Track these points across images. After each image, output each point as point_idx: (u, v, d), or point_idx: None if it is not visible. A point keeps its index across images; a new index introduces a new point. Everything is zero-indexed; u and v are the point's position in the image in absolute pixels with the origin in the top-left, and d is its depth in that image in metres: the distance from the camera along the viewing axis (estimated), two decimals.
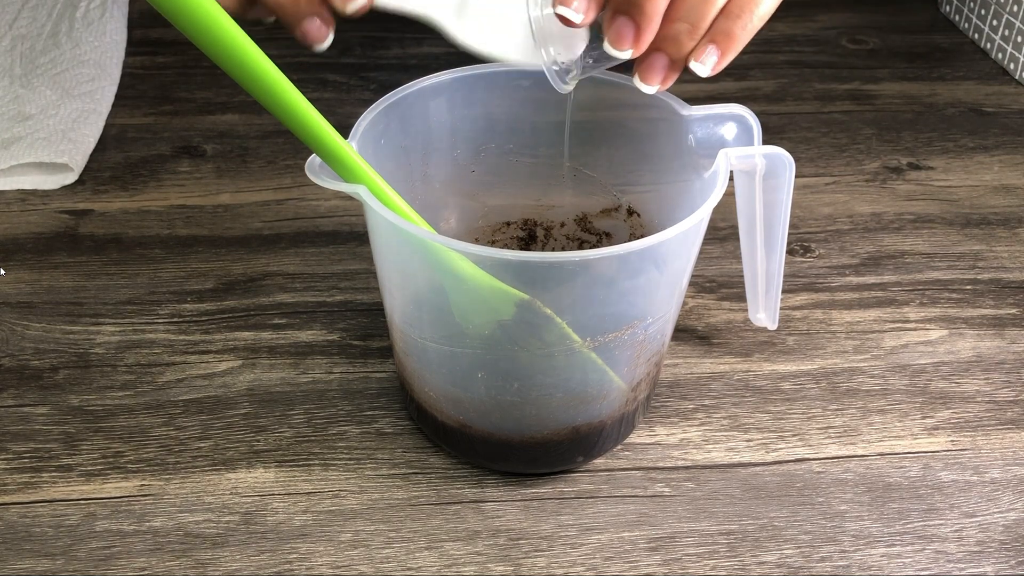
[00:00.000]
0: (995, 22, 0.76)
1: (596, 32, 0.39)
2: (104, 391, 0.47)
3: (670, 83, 0.40)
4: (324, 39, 0.39)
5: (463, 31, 0.39)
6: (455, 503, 0.42)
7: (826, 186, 0.62)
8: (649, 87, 0.39)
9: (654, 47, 0.38)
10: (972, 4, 0.79)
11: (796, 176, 0.42)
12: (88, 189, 0.60)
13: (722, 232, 0.57)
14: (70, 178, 0.60)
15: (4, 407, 0.46)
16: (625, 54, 0.38)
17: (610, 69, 0.41)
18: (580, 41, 0.39)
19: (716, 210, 0.38)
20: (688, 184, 0.42)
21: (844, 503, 0.42)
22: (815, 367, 0.49)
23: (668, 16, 0.38)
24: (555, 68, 0.40)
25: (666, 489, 0.43)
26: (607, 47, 0.38)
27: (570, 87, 0.41)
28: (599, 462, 0.44)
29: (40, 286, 0.53)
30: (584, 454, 0.43)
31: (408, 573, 0.39)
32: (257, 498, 0.42)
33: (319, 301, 0.52)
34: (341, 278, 0.54)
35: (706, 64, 0.39)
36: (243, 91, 0.34)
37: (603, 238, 0.48)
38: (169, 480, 0.43)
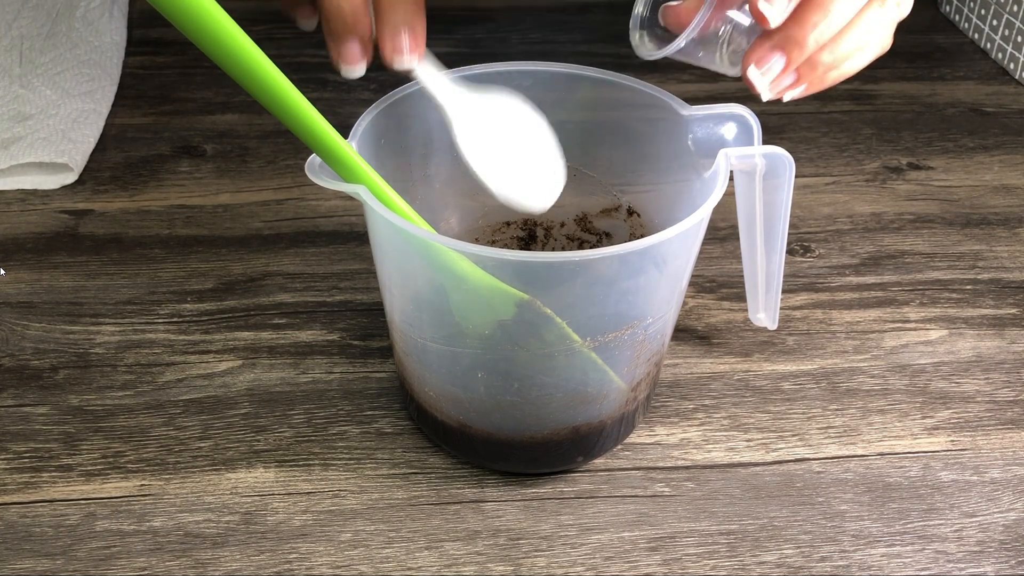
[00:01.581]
0: (995, 22, 0.76)
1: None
2: (104, 391, 0.47)
3: (780, 86, 0.40)
4: (357, 63, 0.38)
5: (475, 160, 0.40)
6: (455, 503, 0.42)
7: (826, 186, 0.62)
8: (766, 94, 0.40)
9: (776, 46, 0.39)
10: (972, 4, 0.79)
11: (796, 176, 0.42)
12: (88, 189, 0.60)
13: (722, 232, 0.57)
14: (70, 178, 0.60)
15: (4, 407, 0.46)
16: (761, 86, 0.38)
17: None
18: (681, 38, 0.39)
19: (716, 210, 0.38)
20: (688, 184, 0.42)
21: (844, 503, 0.42)
22: (815, 367, 0.49)
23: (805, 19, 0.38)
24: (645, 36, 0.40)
25: (666, 489, 0.43)
26: (752, 74, 0.38)
27: (653, 56, 0.41)
28: (599, 462, 0.44)
29: (40, 286, 0.53)
30: (584, 454, 0.43)
31: (408, 573, 0.39)
32: (257, 498, 0.42)
33: (319, 301, 0.52)
34: (341, 278, 0.54)
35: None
36: (243, 91, 0.34)
37: (603, 238, 0.48)
38: (169, 480, 0.43)
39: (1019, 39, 0.73)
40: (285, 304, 0.52)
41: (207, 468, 0.43)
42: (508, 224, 0.50)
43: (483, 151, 0.39)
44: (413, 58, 0.38)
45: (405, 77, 0.43)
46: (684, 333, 0.51)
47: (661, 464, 0.44)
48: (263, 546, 0.40)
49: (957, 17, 0.81)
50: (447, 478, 0.43)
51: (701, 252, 0.42)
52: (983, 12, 0.78)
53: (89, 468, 0.43)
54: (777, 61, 0.38)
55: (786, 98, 0.40)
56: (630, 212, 0.47)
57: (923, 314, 0.52)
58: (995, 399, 0.48)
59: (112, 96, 0.67)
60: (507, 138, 0.40)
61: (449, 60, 0.42)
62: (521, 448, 0.42)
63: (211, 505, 0.42)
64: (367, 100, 0.42)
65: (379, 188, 0.37)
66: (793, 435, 0.46)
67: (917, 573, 0.40)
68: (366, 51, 0.38)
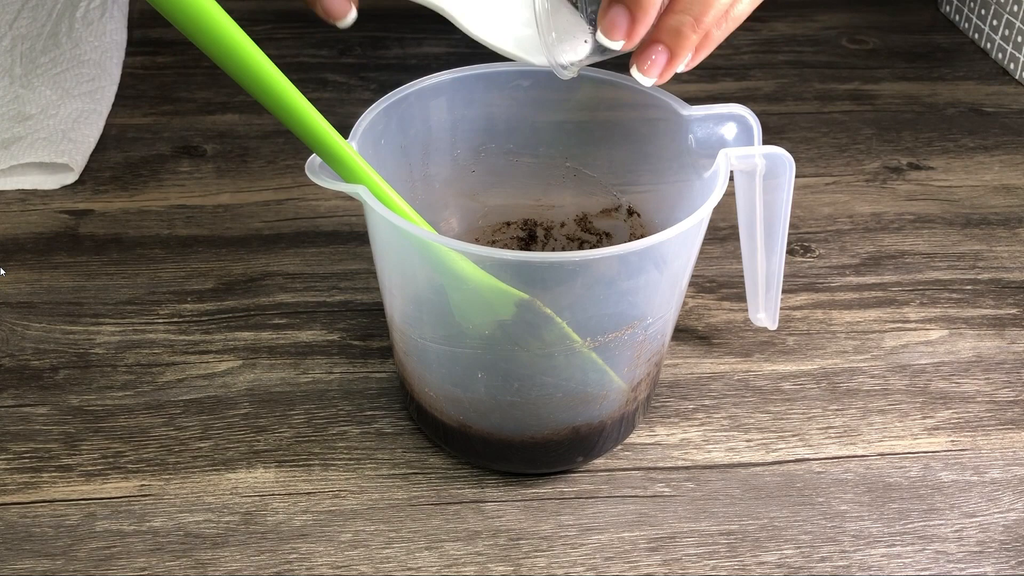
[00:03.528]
0: (995, 22, 0.76)
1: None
2: (104, 391, 0.47)
3: (668, 76, 0.39)
4: (346, 15, 0.38)
5: (473, 22, 0.39)
6: (455, 503, 0.42)
7: (826, 186, 0.62)
8: (647, 79, 0.39)
9: (654, 39, 0.38)
10: (972, 4, 0.79)
11: (796, 176, 0.42)
12: (88, 189, 0.60)
13: (722, 232, 0.57)
14: (70, 178, 0.60)
15: (4, 407, 0.46)
16: (617, 45, 0.37)
17: (613, 60, 0.41)
18: (582, 32, 0.39)
19: (716, 210, 0.38)
20: (688, 184, 0.42)
21: (844, 503, 0.42)
22: (815, 367, 0.49)
23: (670, 8, 0.37)
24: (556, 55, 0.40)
25: (666, 489, 0.43)
26: (599, 36, 0.37)
27: (571, 74, 0.41)
28: (599, 462, 0.44)
29: (40, 286, 0.53)
30: (584, 454, 0.43)
31: (408, 573, 0.39)
32: (257, 498, 0.42)
33: (319, 301, 0.52)
34: (341, 278, 0.54)
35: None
36: (243, 91, 0.34)
37: (603, 238, 0.48)
38: (169, 480, 0.43)
39: (1019, 39, 0.73)
40: (285, 304, 0.52)
41: (207, 468, 0.43)
42: (508, 224, 0.50)
43: (493, 22, 0.39)
44: None
45: (405, 77, 0.43)
46: (684, 333, 0.51)
47: (661, 464, 0.44)
48: (263, 546, 0.40)
49: (957, 17, 0.81)
50: (447, 478, 0.43)
51: (701, 252, 0.42)
52: (983, 12, 0.78)
53: (89, 468, 0.43)
54: (621, 16, 0.37)
55: (668, 73, 0.39)
56: (630, 212, 0.47)
57: (923, 314, 0.52)
58: (995, 399, 0.48)
59: (112, 96, 0.67)
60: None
61: (449, 60, 0.42)
62: (521, 448, 0.42)
63: (211, 505, 0.42)
64: (367, 100, 0.42)
65: (379, 188, 0.37)
66: (793, 435, 0.46)
67: (917, 573, 0.40)
68: None
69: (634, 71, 0.39)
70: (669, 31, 0.38)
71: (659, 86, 0.43)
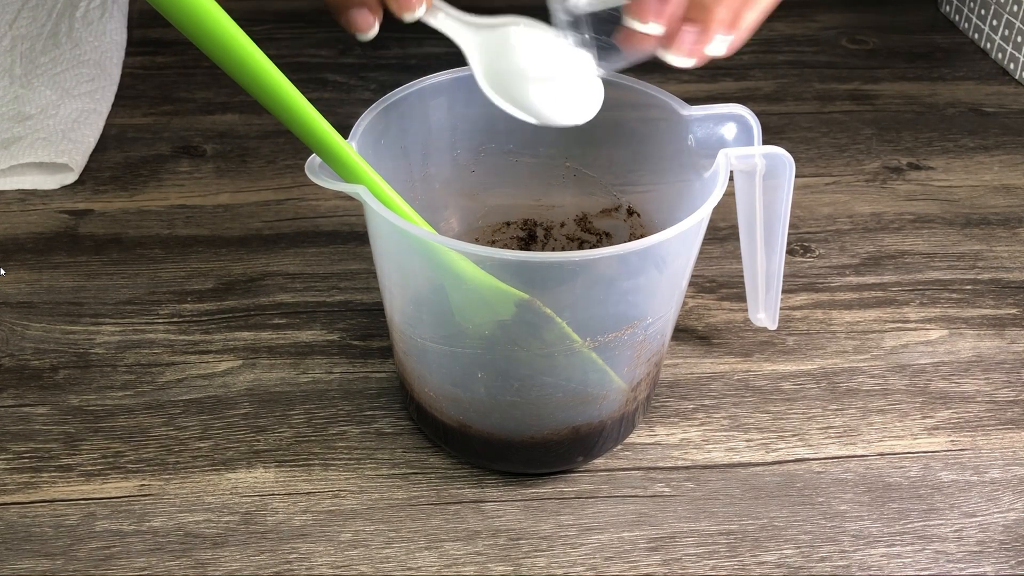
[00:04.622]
0: (995, 22, 0.76)
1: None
2: (104, 391, 0.47)
3: (703, 55, 0.38)
4: (369, 29, 0.38)
5: (488, 80, 0.40)
6: (455, 503, 0.42)
7: (826, 186, 0.62)
8: (683, 59, 0.38)
9: (683, 18, 0.37)
10: (972, 4, 0.79)
11: (796, 176, 0.42)
12: (88, 189, 0.60)
13: (722, 232, 0.57)
14: (70, 178, 0.60)
15: (4, 407, 0.46)
16: (648, 27, 0.36)
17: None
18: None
19: (716, 210, 0.38)
20: (688, 184, 0.42)
21: (844, 503, 0.42)
22: (815, 367, 0.49)
23: None
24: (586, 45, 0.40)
25: (666, 489, 0.43)
26: (628, 20, 0.37)
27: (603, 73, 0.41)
28: (599, 462, 0.44)
29: (40, 286, 0.53)
30: (584, 454, 0.43)
31: (408, 573, 0.39)
32: (257, 498, 0.42)
33: (319, 301, 0.52)
34: (341, 278, 0.54)
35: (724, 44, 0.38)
36: (243, 91, 0.34)
37: (603, 238, 0.48)
38: (169, 480, 0.43)
39: (1019, 39, 0.73)
40: (285, 304, 0.52)
41: (207, 468, 0.43)
42: (508, 224, 0.50)
43: (508, 80, 0.39)
44: (422, 6, 0.38)
45: (405, 77, 0.43)
46: (684, 333, 0.51)
47: (661, 464, 0.44)
48: (263, 546, 0.40)
49: (957, 17, 0.81)
50: (447, 478, 0.43)
51: (701, 252, 0.42)
52: (983, 12, 0.78)
53: (89, 468, 0.43)
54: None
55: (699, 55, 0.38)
56: (630, 212, 0.47)
57: (923, 314, 0.52)
58: (995, 399, 0.48)
59: (112, 96, 0.67)
60: (531, 60, 0.39)
61: (449, 60, 0.42)
62: (521, 448, 0.42)
63: (211, 505, 0.42)
64: (367, 100, 0.42)
65: (379, 188, 0.37)
66: (793, 435, 0.46)
67: (917, 573, 0.40)
68: (374, 12, 0.38)
69: (668, 55, 0.38)
70: (697, 6, 0.37)
71: (659, 86, 0.43)
